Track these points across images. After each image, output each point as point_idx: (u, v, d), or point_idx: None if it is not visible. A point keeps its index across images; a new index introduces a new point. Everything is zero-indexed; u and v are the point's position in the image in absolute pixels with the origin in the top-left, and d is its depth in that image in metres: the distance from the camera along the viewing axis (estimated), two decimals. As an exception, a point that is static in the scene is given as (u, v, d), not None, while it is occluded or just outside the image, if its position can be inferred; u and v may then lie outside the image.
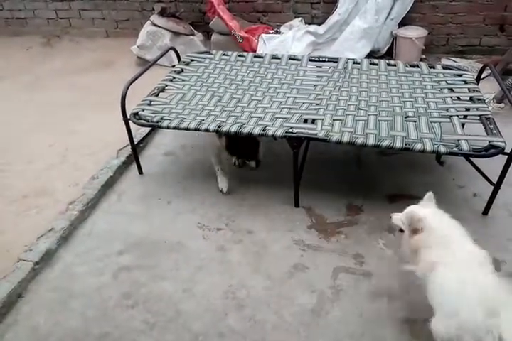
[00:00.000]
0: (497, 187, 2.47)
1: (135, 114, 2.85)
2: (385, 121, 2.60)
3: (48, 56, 5.08)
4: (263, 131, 2.56)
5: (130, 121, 2.83)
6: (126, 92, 2.84)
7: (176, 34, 4.72)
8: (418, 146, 2.34)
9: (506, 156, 2.33)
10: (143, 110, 2.88)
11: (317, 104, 2.81)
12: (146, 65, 3.27)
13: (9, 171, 3.16)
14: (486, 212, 2.59)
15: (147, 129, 3.45)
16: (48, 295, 2.24)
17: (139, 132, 3.41)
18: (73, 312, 2.14)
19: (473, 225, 2.49)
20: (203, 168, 3.13)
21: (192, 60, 3.49)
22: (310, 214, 2.68)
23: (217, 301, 2.16)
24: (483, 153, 2.30)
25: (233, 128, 2.59)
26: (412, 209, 1.92)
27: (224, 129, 2.60)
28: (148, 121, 2.80)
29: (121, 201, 2.89)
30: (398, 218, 1.99)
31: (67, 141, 3.48)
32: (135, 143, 3.07)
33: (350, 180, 2.94)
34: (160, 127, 2.83)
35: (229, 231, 2.59)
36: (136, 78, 2.96)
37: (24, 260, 2.38)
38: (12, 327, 2.08)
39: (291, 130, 2.55)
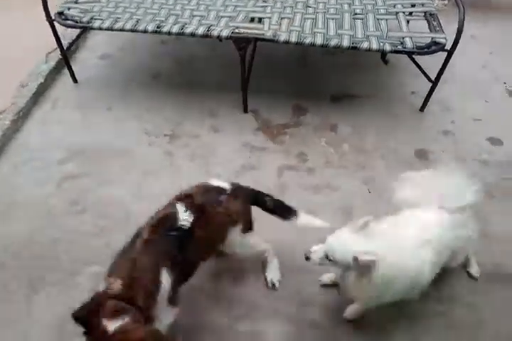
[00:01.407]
0: (435, 83, 2.45)
1: (60, 14, 2.42)
2: (333, 19, 2.41)
3: None
4: (207, 31, 2.28)
5: (55, 22, 2.40)
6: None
7: None
8: (365, 45, 2.23)
9: (446, 53, 2.28)
10: (69, 9, 2.45)
11: (264, 1, 2.53)
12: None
13: None
14: (422, 108, 2.60)
15: (77, 30, 2.96)
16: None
17: (68, 32, 2.92)
18: (18, 222, 2.01)
19: (410, 119, 2.55)
20: (144, 72, 2.83)
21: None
22: (257, 118, 2.57)
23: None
24: (425, 50, 2.23)
25: (174, 29, 2.28)
26: (355, 248, 1.33)
27: (164, 30, 2.27)
28: (77, 22, 2.39)
29: (56, 109, 2.58)
30: (319, 251, 1.41)
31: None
32: (65, 46, 2.64)
33: (296, 81, 2.79)
34: (91, 28, 2.43)
35: (176, 136, 2.44)
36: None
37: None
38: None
39: (237, 30, 2.29)
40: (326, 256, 1.38)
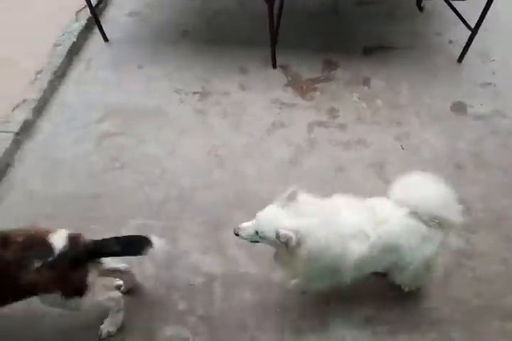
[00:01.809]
0: (474, 31, 2.27)
1: None
2: None
3: None
4: None
5: None
6: None
7: None
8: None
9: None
10: None
11: None
12: None
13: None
14: (460, 59, 2.44)
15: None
16: (36, 163, 2.19)
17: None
18: (64, 178, 2.12)
19: (447, 72, 2.42)
20: (173, 29, 2.77)
21: None
22: (286, 73, 2.50)
23: (202, 159, 2.15)
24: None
25: None
26: (279, 224, 1.28)
27: None
28: None
29: (90, 69, 2.60)
30: (249, 228, 1.37)
31: (17, 6, 2.92)
32: (93, 4, 2.60)
33: (326, 34, 2.65)
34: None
35: (206, 94, 2.42)
36: None
37: (4, 131, 2.24)
38: (10, 192, 2.07)
39: None
40: (256, 232, 1.34)
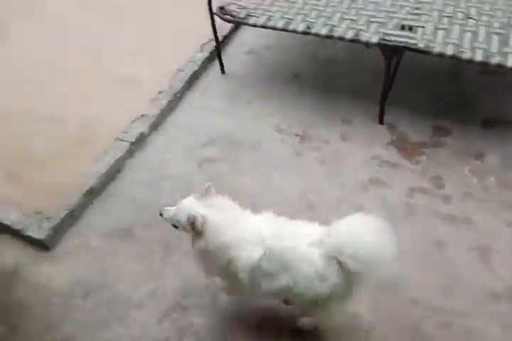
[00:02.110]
0: None
1: (221, 8, 2.56)
2: (497, 33, 2.15)
3: None
4: (356, 36, 2.22)
5: (215, 16, 2.56)
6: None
7: None
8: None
9: None
10: (229, 4, 2.57)
11: (419, 9, 2.35)
12: None
13: (100, 57, 3.08)
14: None
15: (231, 25, 3.12)
16: (142, 173, 2.35)
17: (222, 27, 3.10)
18: (164, 192, 2.23)
19: None
20: (286, 70, 2.88)
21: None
22: (392, 131, 2.45)
23: (292, 199, 2.15)
24: None
25: (323, 31, 2.27)
26: (192, 210, 1.43)
27: (313, 31, 2.28)
28: (234, 17, 2.51)
29: (204, 96, 2.78)
30: (171, 211, 1.54)
31: (152, 31, 3.25)
32: (219, 39, 2.82)
33: (442, 99, 2.58)
34: (246, 24, 2.53)
35: (307, 138, 2.45)
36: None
37: (121, 140, 2.46)
38: (113, 197, 2.24)
39: (387, 37, 2.18)
40: (175, 216, 1.50)
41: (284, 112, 2.62)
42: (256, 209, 2.07)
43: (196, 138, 2.51)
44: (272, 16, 2.45)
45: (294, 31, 2.34)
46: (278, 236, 1.42)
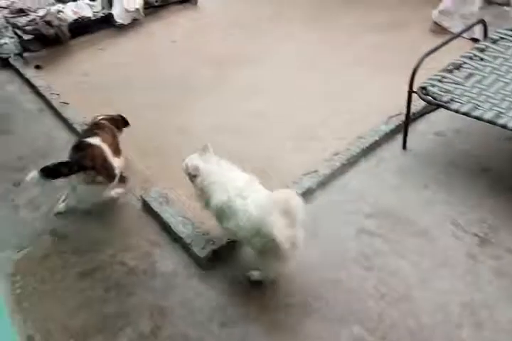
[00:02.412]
0: None
1: (423, 88, 2.60)
2: None
3: (350, 4, 5.06)
4: None
5: (414, 94, 2.61)
6: (419, 65, 2.58)
7: (488, 2, 3.97)
8: None
9: None
10: (432, 86, 2.60)
11: None
12: (441, 32, 2.90)
13: (295, 108, 3.43)
14: None
15: (424, 103, 3.16)
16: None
17: (414, 104, 3.15)
18: (314, 248, 2.23)
19: None
20: (474, 161, 2.73)
21: (501, 38, 2.90)
22: None
23: (453, 308, 1.94)
24: None
25: None
26: (188, 159, 2.09)
27: None
28: (435, 99, 2.53)
29: (379, 167, 2.81)
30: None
31: (344, 94, 3.51)
32: (410, 116, 2.87)
33: None
34: (448, 108, 2.50)
35: (487, 242, 2.23)
36: (433, 51, 2.64)
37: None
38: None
39: None
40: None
41: (465, 206, 2.44)
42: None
43: (360, 206, 2.52)
44: (479, 106, 2.39)
45: (504, 126, 2.24)
46: (242, 190, 1.91)
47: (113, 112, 2.97)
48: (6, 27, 4.91)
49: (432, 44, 2.69)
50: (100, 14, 5.23)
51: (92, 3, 5.61)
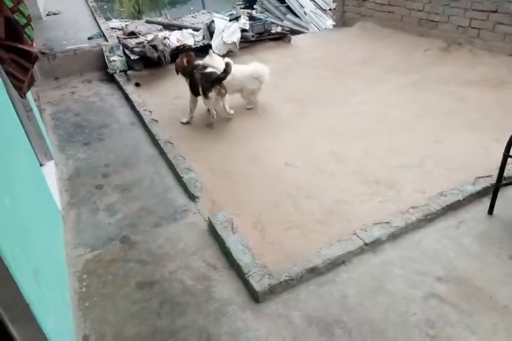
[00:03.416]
0: None
1: None
2: None
3: (441, 60, 5.09)
4: None
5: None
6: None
7: None
8: None
9: None
10: None
11: None
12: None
13: (372, 154, 3.43)
14: None
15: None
16: (362, 276, 2.36)
17: (507, 167, 3.00)
18: (377, 305, 2.18)
19: None
20: None
21: None
22: None
23: None
24: None
25: None
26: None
27: None
28: None
29: (459, 229, 2.67)
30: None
31: (429, 146, 3.45)
32: (502, 180, 2.73)
33: None
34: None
35: None
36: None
37: (358, 236, 2.58)
38: (329, 284, 2.32)
39: None
40: None
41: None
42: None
43: (432, 267, 2.39)
44: None
45: None
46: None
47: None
48: (117, 46, 5.60)
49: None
50: (200, 44, 5.77)
51: (195, 33, 6.22)
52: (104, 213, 2.86)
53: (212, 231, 2.69)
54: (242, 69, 4.09)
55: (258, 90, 4.19)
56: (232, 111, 4.08)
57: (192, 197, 3.01)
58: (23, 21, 2.83)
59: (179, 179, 3.22)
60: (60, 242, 2.57)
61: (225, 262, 2.49)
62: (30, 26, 2.84)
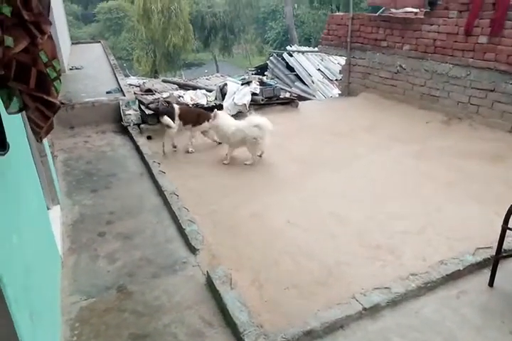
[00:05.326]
0: None
1: None
2: None
3: (442, 133, 5.43)
4: None
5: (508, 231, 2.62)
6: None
7: None
8: None
9: None
10: None
11: None
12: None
13: (374, 218, 3.56)
14: None
15: (518, 240, 3.10)
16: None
17: (507, 240, 3.10)
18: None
19: None
20: None
21: None
22: None
23: None
24: None
25: None
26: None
27: None
28: None
29: (459, 299, 2.68)
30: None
31: (430, 214, 3.59)
32: (502, 252, 2.82)
33: None
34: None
35: None
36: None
37: (357, 300, 2.60)
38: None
39: None
40: None
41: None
42: None
43: (432, 338, 2.37)
44: None
45: None
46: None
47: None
48: (134, 101, 6.04)
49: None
50: (212, 103, 6.22)
51: (208, 93, 6.72)
52: (104, 260, 2.92)
53: (210, 285, 2.72)
54: (240, 122, 4.71)
55: (261, 140, 4.50)
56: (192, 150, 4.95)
57: (192, 250, 3.09)
58: (54, 75, 3.18)
59: (181, 230, 3.32)
60: (57, 287, 2.60)
61: (221, 319, 2.50)
62: (59, 80, 3.19)
